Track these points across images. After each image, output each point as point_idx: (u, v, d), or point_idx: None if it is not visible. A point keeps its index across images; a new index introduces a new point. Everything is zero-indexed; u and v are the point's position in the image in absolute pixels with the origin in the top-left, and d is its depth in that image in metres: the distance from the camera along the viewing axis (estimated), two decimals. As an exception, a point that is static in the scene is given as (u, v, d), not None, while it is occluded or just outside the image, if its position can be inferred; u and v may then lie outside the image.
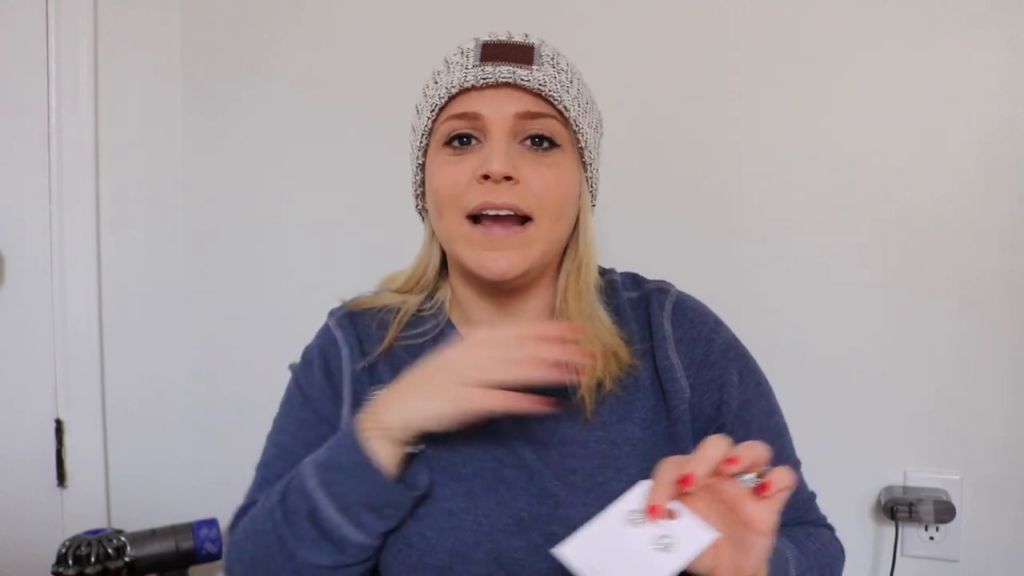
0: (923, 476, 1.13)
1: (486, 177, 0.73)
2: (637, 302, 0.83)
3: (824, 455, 1.15)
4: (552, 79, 0.75)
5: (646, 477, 0.75)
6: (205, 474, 1.48)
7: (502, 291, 0.80)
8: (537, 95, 0.75)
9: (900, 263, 1.13)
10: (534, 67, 0.75)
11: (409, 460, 0.73)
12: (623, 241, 1.14)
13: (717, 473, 0.61)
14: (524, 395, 0.67)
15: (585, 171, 0.80)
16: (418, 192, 0.83)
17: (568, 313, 0.79)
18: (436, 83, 0.78)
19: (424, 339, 0.82)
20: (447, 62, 0.78)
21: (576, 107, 0.77)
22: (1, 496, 1.41)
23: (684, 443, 0.77)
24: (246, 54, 1.42)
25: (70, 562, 1.17)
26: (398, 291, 0.86)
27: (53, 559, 1.18)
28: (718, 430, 0.79)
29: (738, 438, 0.79)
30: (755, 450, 0.62)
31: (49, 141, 1.39)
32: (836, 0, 1.13)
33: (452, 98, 0.76)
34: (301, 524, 0.70)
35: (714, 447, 0.62)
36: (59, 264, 1.41)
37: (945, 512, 1.10)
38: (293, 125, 1.40)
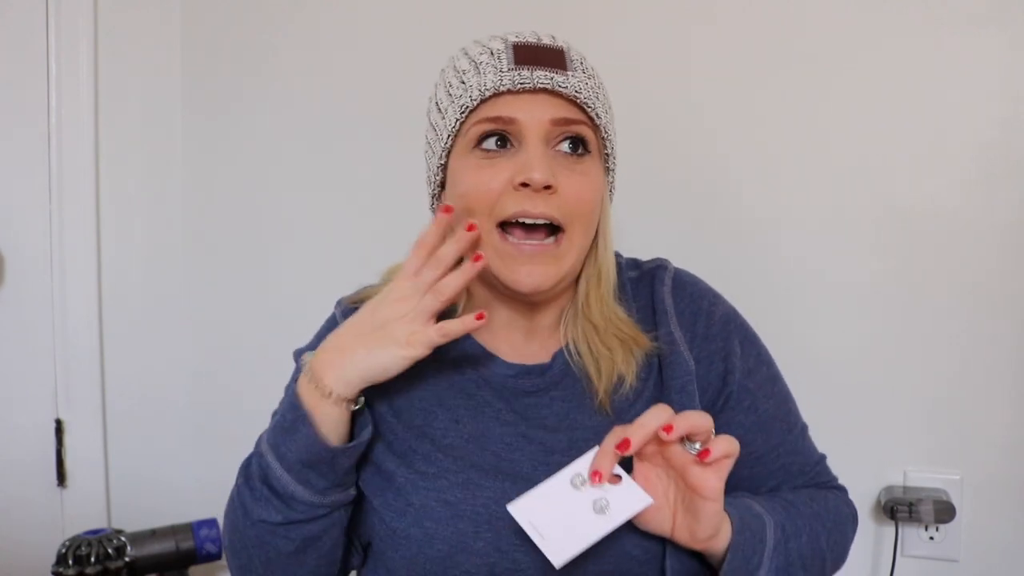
0: (923, 476, 1.13)
1: (524, 185, 0.71)
2: (637, 281, 0.84)
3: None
4: (585, 85, 0.74)
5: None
6: (205, 474, 1.48)
7: (526, 300, 0.79)
8: (571, 101, 0.74)
9: (900, 263, 1.13)
10: (569, 73, 0.74)
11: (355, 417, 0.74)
12: (624, 242, 1.14)
13: (660, 441, 0.66)
14: (465, 315, 0.72)
15: (607, 175, 0.80)
16: (435, 192, 0.81)
17: (590, 316, 0.79)
18: (463, 83, 0.75)
19: None
20: (475, 62, 0.75)
21: (606, 114, 0.77)
22: (1, 496, 1.41)
23: None
24: (246, 54, 1.42)
25: (70, 562, 1.17)
26: None
27: (53, 559, 1.18)
28: (725, 401, 0.81)
29: (744, 407, 0.81)
30: (693, 418, 0.66)
31: (49, 141, 1.39)
32: (836, 0, 1.14)
33: (484, 100, 0.74)
34: (257, 486, 0.74)
35: (654, 415, 0.66)
36: (59, 264, 1.41)
37: (945, 512, 1.10)
38: (293, 125, 1.40)
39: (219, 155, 1.45)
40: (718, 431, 0.75)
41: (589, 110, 0.75)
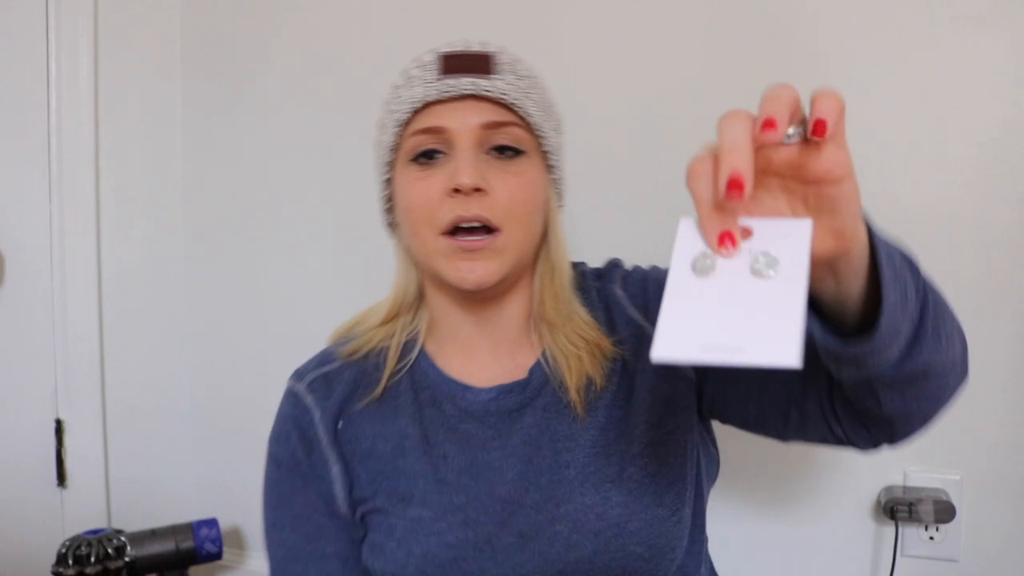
0: (923, 476, 1.13)
1: (456, 191, 0.73)
2: (600, 289, 0.85)
3: (824, 455, 1.16)
4: (513, 87, 0.76)
5: (633, 455, 0.74)
6: (205, 474, 1.48)
7: (479, 301, 0.80)
8: (500, 104, 0.75)
9: (900, 263, 1.13)
10: (494, 76, 0.75)
11: None
12: (626, 242, 1.14)
13: (759, 154, 0.47)
14: None
15: (551, 173, 0.81)
16: (386, 207, 0.83)
17: (546, 316, 0.80)
18: (398, 98, 0.78)
19: (400, 375, 0.83)
20: (408, 76, 0.78)
21: (538, 112, 0.78)
22: (1, 496, 1.41)
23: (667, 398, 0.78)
24: (246, 54, 1.42)
25: (70, 562, 1.17)
26: (385, 321, 0.85)
27: (53, 559, 1.18)
28: None
29: None
30: (781, 96, 0.48)
31: (49, 141, 1.39)
32: (836, 0, 1.13)
33: (416, 113, 0.76)
34: None
35: (777, 95, 0.47)
36: (59, 264, 1.41)
37: (945, 512, 1.10)
38: (293, 125, 1.40)
39: (219, 155, 1.45)
40: (707, 380, 0.76)
41: (519, 110, 0.76)
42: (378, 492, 0.79)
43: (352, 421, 0.82)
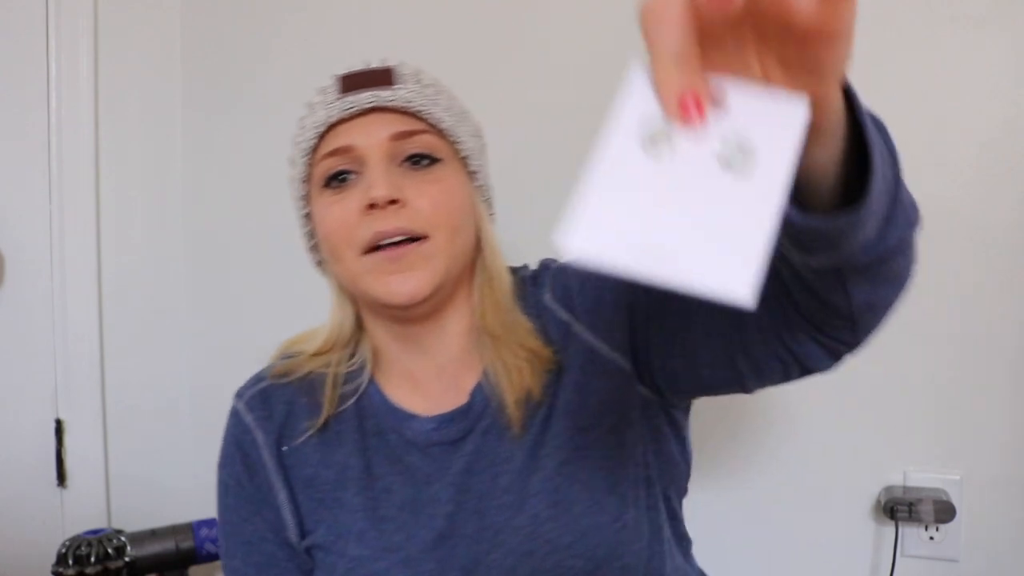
0: (923, 476, 1.13)
1: (372, 206, 0.70)
2: (534, 295, 0.81)
3: (824, 455, 1.16)
4: (417, 94, 0.73)
5: (560, 464, 0.72)
6: (205, 474, 1.48)
7: (417, 322, 0.76)
8: (406, 113, 0.73)
9: (900, 263, 1.13)
10: (397, 87, 0.73)
11: None
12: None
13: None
14: None
15: (474, 180, 0.78)
16: (311, 244, 0.81)
17: (488, 328, 0.76)
18: (303, 127, 0.76)
19: (347, 404, 0.79)
20: (310, 105, 0.76)
21: (449, 117, 0.75)
22: (1, 496, 1.41)
23: (620, 389, 0.74)
24: (246, 54, 1.42)
25: (70, 562, 1.17)
26: (319, 352, 0.81)
27: (53, 559, 1.18)
28: (630, 313, 0.73)
29: (647, 305, 0.71)
30: None
31: (49, 141, 1.39)
32: (836, 0, 1.13)
33: (321, 137, 0.74)
34: None
35: None
36: (59, 264, 1.41)
37: (945, 512, 1.10)
38: (293, 125, 1.40)
39: (219, 155, 1.45)
40: (642, 348, 0.70)
41: (427, 117, 0.73)
42: (319, 525, 0.77)
43: (295, 447, 0.79)
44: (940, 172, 1.11)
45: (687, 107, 0.34)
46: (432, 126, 0.74)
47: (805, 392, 1.14)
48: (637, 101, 0.35)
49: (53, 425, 1.42)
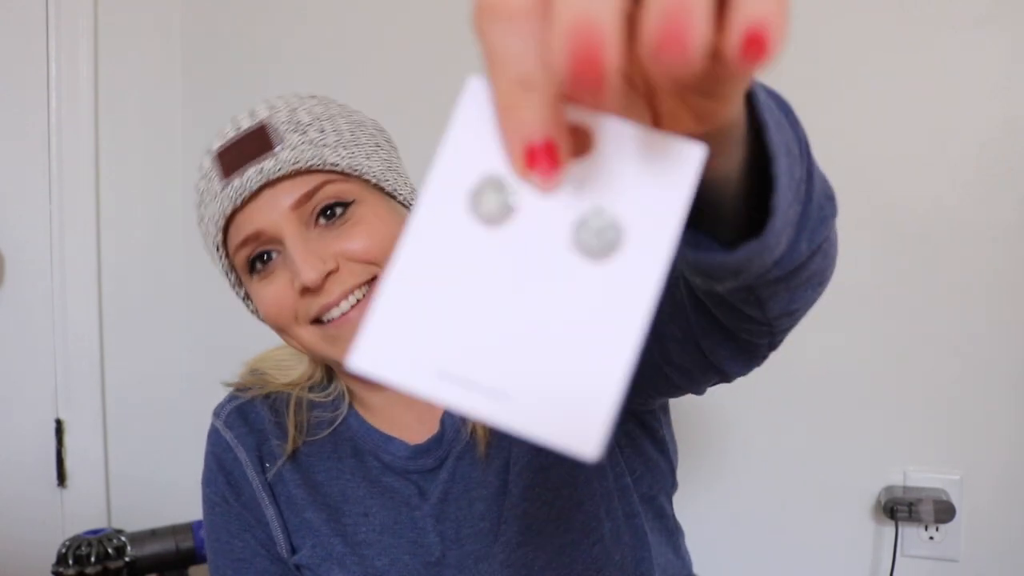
0: (923, 476, 1.13)
1: (307, 290, 0.67)
2: None
3: (824, 455, 1.16)
4: (301, 148, 0.67)
5: (526, 487, 0.70)
6: (205, 474, 1.48)
7: None
8: (297, 174, 0.67)
9: (900, 263, 1.13)
10: (277, 149, 0.66)
11: None
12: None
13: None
14: None
15: (397, 198, 0.73)
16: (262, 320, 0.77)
17: None
18: (202, 219, 0.72)
19: (323, 432, 0.78)
20: (200, 192, 0.71)
21: (344, 151, 0.69)
22: (1, 496, 1.41)
23: None
24: (246, 54, 1.42)
25: (70, 562, 1.17)
26: (292, 384, 0.80)
27: (53, 559, 1.18)
28: None
29: None
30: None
31: (49, 141, 1.39)
32: (836, 0, 1.13)
33: (226, 230, 0.70)
34: None
35: None
36: (59, 264, 1.41)
37: (945, 512, 1.10)
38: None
39: (219, 155, 1.45)
40: None
41: (320, 167, 0.67)
42: (304, 544, 0.76)
43: (276, 468, 0.78)
44: (940, 172, 1.11)
45: (536, 157, 0.25)
46: (330, 172, 0.68)
47: (806, 392, 1.14)
48: (471, 136, 0.25)
49: (53, 425, 1.42)
